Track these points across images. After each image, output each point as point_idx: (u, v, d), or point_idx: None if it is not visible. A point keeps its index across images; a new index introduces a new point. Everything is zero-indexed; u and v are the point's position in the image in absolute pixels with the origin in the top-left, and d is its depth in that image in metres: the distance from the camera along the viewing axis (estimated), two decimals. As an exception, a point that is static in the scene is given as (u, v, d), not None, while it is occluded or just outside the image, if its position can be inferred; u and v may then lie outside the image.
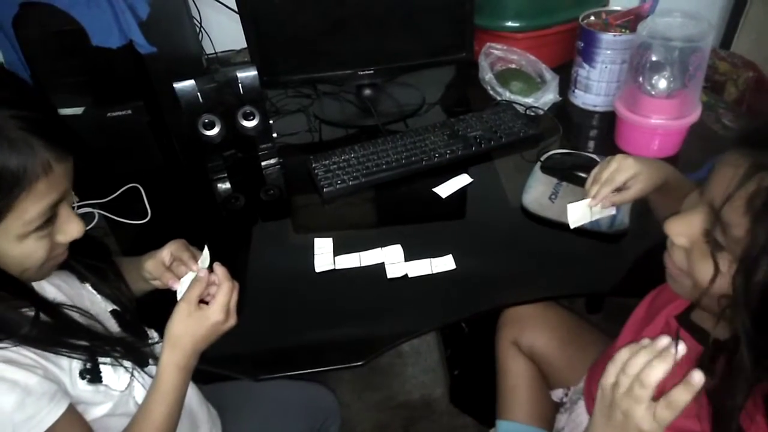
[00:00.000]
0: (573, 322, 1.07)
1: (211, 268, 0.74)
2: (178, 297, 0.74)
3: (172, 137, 1.16)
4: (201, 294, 0.71)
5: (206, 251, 0.78)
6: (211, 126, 1.13)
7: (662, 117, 1.07)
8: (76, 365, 0.64)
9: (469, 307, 0.88)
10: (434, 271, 0.93)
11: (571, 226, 0.88)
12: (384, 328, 0.85)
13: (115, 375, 0.68)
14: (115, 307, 0.76)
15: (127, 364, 0.70)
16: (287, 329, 0.87)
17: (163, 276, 0.79)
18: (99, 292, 0.76)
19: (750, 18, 1.65)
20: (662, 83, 1.06)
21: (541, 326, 1.06)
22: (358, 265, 0.95)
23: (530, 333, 1.06)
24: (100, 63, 0.99)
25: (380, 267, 0.94)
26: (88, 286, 0.75)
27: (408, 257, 0.95)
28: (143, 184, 1.15)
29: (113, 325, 0.74)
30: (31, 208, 0.56)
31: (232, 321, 0.72)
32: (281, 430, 0.99)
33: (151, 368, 0.73)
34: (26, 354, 0.59)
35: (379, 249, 0.97)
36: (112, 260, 0.81)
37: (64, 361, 0.63)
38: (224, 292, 0.70)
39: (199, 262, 0.78)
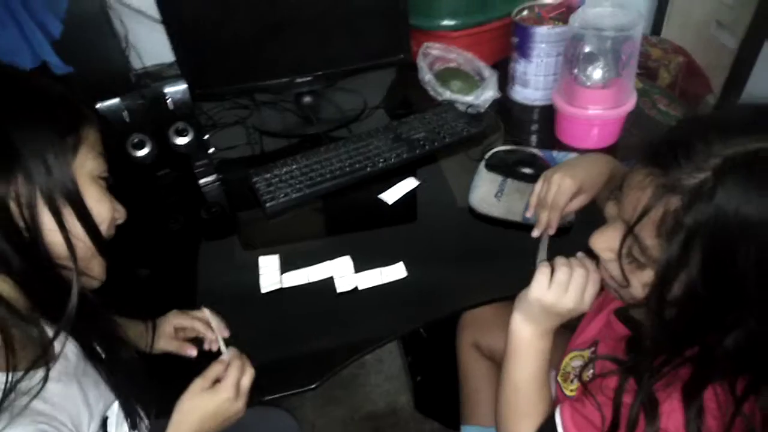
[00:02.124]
0: None
1: None
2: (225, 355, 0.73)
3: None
4: (219, 374, 0.70)
5: (207, 313, 0.80)
6: (140, 146, 1.07)
7: (599, 107, 1.08)
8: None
9: (424, 315, 0.86)
10: (385, 281, 0.90)
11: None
12: (337, 346, 0.82)
13: None
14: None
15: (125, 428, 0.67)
16: (265, 348, 0.82)
17: (181, 349, 0.82)
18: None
19: (677, 3, 1.70)
20: (597, 73, 1.07)
21: (501, 326, 1.00)
22: (306, 282, 0.91)
23: (490, 334, 1.04)
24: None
25: (329, 281, 0.91)
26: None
27: (357, 268, 0.92)
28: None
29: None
30: (94, 141, 0.59)
31: (241, 403, 0.70)
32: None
33: None
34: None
35: (328, 262, 0.94)
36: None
37: (83, 426, 0.59)
38: (234, 370, 0.70)
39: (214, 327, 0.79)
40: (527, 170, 1.04)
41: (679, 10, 1.70)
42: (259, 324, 0.87)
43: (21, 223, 0.52)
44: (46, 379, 0.55)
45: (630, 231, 0.54)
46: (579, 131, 1.12)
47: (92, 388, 0.63)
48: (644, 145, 0.55)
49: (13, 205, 0.51)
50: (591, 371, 0.71)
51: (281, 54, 1.21)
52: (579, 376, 0.73)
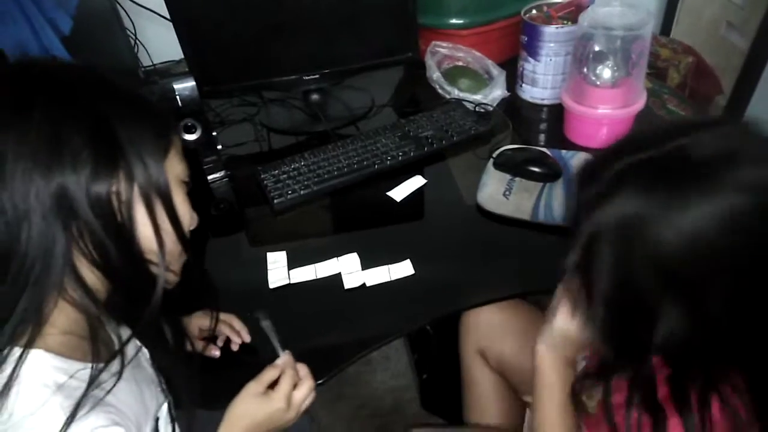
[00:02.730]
0: (541, 320, 1.04)
1: None
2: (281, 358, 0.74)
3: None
4: (272, 378, 0.71)
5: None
6: (150, 142, 1.07)
7: (608, 106, 1.08)
8: None
9: (431, 313, 0.86)
10: (393, 278, 0.90)
11: None
12: (344, 342, 0.82)
13: None
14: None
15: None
16: (241, 352, 0.83)
17: (206, 351, 0.82)
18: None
19: (687, 3, 1.69)
20: (606, 73, 1.07)
21: (507, 331, 1.00)
22: (314, 278, 0.92)
23: (496, 341, 1.00)
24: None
25: (337, 278, 0.91)
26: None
27: (365, 265, 0.92)
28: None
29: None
30: (179, 145, 0.60)
31: (293, 413, 0.71)
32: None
33: None
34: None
35: (335, 259, 0.94)
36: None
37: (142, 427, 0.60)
38: (287, 380, 0.71)
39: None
40: (536, 169, 1.04)
41: (689, 11, 1.69)
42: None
43: (120, 218, 0.53)
44: (121, 373, 0.56)
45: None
46: (588, 130, 1.12)
47: (147, 388, 0.64)
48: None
49: (114, 200, 0.53)
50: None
51: (289, 51, 1.22)
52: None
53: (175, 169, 0.58)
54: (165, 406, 0.67)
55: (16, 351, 0.50)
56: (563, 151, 1.10)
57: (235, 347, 0.83)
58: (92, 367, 0.53)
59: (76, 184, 0.50)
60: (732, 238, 0.48)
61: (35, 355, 0.51)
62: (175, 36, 1.16)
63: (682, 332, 0.52)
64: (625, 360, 0.58)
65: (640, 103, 1.10)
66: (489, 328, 1.02)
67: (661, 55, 1.70)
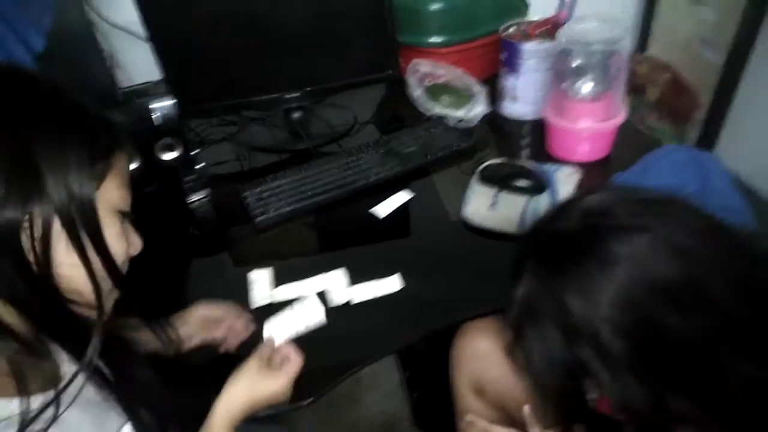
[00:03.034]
0: None
1: None
2: (266, 332, 0.78)
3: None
4: (269, 354, 0.72)
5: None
6: (128, 161, 1.05)
7: (589, 120, 1.08)
8: None
9: (420, 328, 0.84)
10: (380, 294, 0.88)
11: None
12: (330, 360, 0.80)
13: None
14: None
15: None
16: (224, 373, 0.79)
17: (210, 338, 0.80)
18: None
19: (662, 20, 1.72)
20: (586, 87, 1.08)
21: (507, 363, 0.89)
22: (299, 296, 0.89)
23: (496, 379, 0.92)
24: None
25: (322, 295, 0.89)
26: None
27: (351, 282, 0.90)
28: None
29: None
30: (123, 169, 0.54)
31: (289, 395, 0.71)
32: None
33: None
34: None
35: (321, 276, 0.92)
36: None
37: None
38: (296, 365, 0.71)
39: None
40: (521, 183, 1.03)
41: (664, 28, 1.73)
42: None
43: (32, 253, 0.47)
44: (57, 406, 0.51)
45: None
46: (570, 144, 1.12)
47: (103, 411, 0.59)
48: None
49: (25, 233, 0.46)
50: None
51: (269, 70, 1.21)
52: None
53: (111, 196, 0.52)
54: (127, 427, 0.62)
55: None
56: (546, 165, 1.10)
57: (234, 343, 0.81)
58: (21, 404, 0.48)
59: None
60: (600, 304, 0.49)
61: None
62: (153, 57, 1.15)
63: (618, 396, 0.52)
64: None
65: (620, 117, 1.11)
66: (486, 362, 0.94)
67: (639, 72, 1.73)
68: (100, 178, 0.51)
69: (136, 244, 0.60)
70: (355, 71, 1.26)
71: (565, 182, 1.05)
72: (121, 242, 0.55)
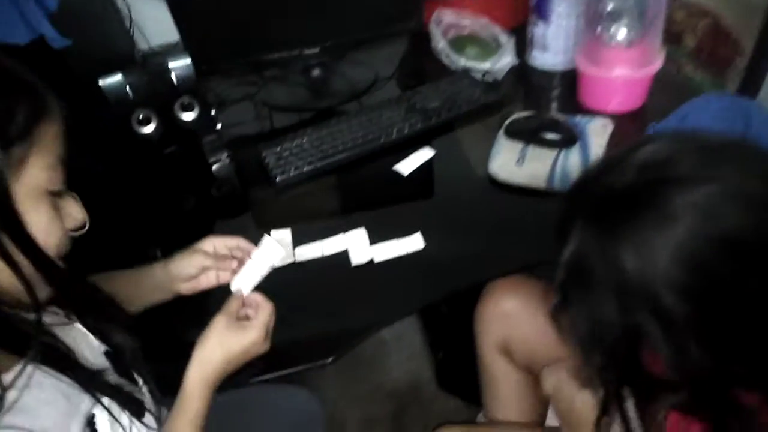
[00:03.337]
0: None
1: None
2: (234, 287, 0.71)
3: (105, 138, 1.06)
4: (238, 309, 0.67)
5: (269, 241, 0.73)
6: (146, 122, 1.04)
7: (624, 68, 1.02)
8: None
9: (443, 287, 0.82)
10: (402, 253, 0.86)
11: None
12: (353, 320, 0.79)
13: None
14: (107, 348, 0.64)
15: (125, 421, 0.59)
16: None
17: (219, 263, 0.74)
18: (90, 330, 0.62)
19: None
20: (621, 32, 1.01)
21: (537, 325, 0.86)
22: (320, 255, 0.88)
23: (524, 338, 0.90)
24: (11, 62, 0.89)
25: (344, 254, 0.87)
26: (77, 324, 0.62)
27: (373, 240, 0.88)
28: (78, 191, 1.04)
29: (107, 366, 0.62)
30: (51, 144, 0.48)
31: (268, 345, 0.67)
32: (257, 441, 0.92)
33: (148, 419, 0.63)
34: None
35: (342, 235, 0.90)
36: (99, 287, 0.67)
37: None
38: (267, 311, 0.67)
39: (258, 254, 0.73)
40: (551, 135, 0.99)
41: (705, -31, 1.61)
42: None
43: None
44: (3, 394, 0.46)
45: None
46: (603, 94, 1.07)
47: (75, 390, 0.55)
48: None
49: None
50: None
51: (287, 25, 1.17)
52: None
53: (36, 180, 0.46)
54: (105, 399, 0.58)
55: None
56: (578, 117, 1.04)
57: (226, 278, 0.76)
58: None
59: None
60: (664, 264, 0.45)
61: None
62: (171, 17, 1.12)
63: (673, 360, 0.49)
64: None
65: (657, 64, 1.04)
66: (513, 321, 0.92)
67: (676, 18, 1.63)
68: (19, 164, 0.45)
69: (78, 218, 0.54)
70: (376, 24, 1.21)
71: (598, 134, 1.00)
72: (54, 227, 0.50)
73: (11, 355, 0.49)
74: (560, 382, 0.77)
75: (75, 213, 0.54)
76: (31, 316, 0.50)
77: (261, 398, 0.96)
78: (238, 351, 0.64)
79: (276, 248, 0.75)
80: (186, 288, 0.76)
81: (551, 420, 0.96)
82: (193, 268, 0.74)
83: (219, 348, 0.63)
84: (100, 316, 0.62)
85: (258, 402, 0.96)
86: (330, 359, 0.73)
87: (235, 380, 0.67)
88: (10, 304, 0.49)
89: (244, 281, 0.74)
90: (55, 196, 0.50)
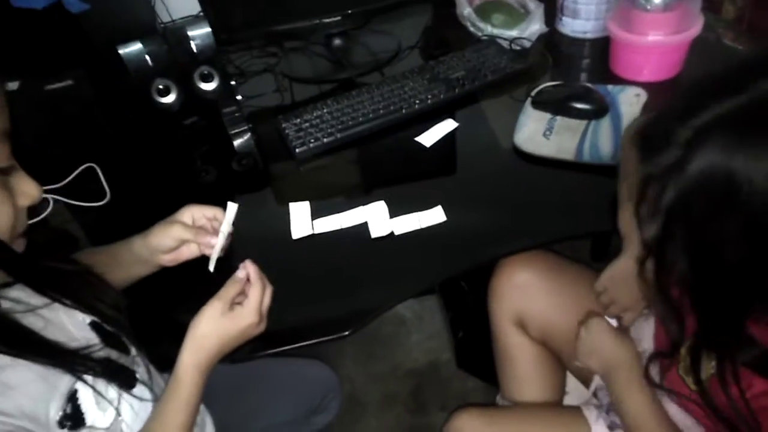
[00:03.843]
0: (587, 278, 0.86)
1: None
2: (212, 264, 0.68)
3: (125, 108, 1.06)
4: (236, 293, 0.64)
5: (232, 208, 0.69)
6: (166, 92, 1.03)
7: (660, 32, 0.97)
8: (54, 414, 0.54)
9: (465, 261, 0.79)
10: (423, 226, 0.84)
11: None
12: (372, 293, 0.77)
13: (99, 411, 0.57)
14: (94, 318, 0.63)
15: (112, 394, 0.59)
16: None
17: (198, 236, 0.70)
18: (71, 305, 0.62)
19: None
20: (658, -5, 0.96)
21: (551, 296, 0.88)
22: (339, 228, 0.86)
23: (538, 309, 0.89)
24: (29, 28, 0.88)
25: (363, 227, 0.85)
26: (54, 303, 0.61)
27: (393, 213, 0.86)
28: (98, 162, 1.04)
29: (93, 340, 0.62)
30: None
31: (263, 326, 0.65)
32: (275, 412, 0.92)
33: (140, 389, 0.63)
34: None
35: (362, 208, 0.88)
36: (76, 259, 0.68)
37: (40, 413, 0.52)
38: (257, 291, 0.64)
39: (224, 222, 0.69)
40: (580, 105, 0.94)
41: (749, -68, 1.52)
42: (292, 271, 0.82)
43: None
44: None
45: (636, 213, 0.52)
46: (638, 61, 1.01)
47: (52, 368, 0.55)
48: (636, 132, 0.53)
49: None
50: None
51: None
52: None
53: None
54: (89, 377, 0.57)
55: None
56: (609, 86, 1.00)
57: (207, 251, 0.71)
58: None
59: None
60: None
61: None
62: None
63: None
64: (720, 334, 0.52)
65: (695, 29, 0.98)
66: (527, 293, 0.91)
67: (716, -14, 1.55)
68: None
69: (30, 193, 0.52)
70: (400, -11, 1.17)
71: (630, 104, 0.95)
72: (2, 208, 0.49)
73: None
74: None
75: (28, 189, 0.52)
76: None
77: (278, 369, 0.96)
78: (232, 336, 0.62)
79: (231, 207, 0.70)
80: (167, 260, 0.73)
81: (571, 399, 0.94)
82: (171, 240, 0.71)
83: (212, 335, 0.61)
84: (76, 291, 0.61)
85: (275, 373, 0.96)
86: (347, 332, 0.71)
87: (232, 356, 0.65)
88: None
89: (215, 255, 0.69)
90: (1, 173, 0.48)
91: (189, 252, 0.73)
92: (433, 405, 1.42)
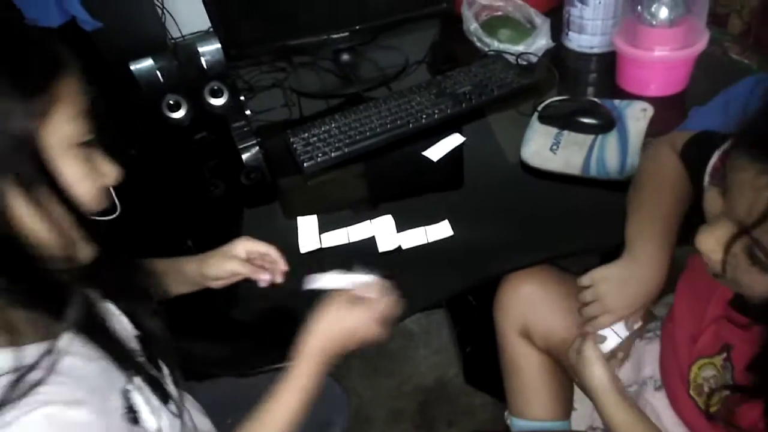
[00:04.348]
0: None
1: None
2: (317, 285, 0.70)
3: (136, 123, 1.07)
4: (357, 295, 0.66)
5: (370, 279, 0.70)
6: (176, 107, 1.04)
7: (666, 48, 0.97)
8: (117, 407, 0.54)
9: (472, 276, 0.80)
10: (430, 240, 0.84)
11: None
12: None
13: (150, 414, 0.57)
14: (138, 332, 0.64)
15: (155, 402, 0.59)
16: (272, 318, 0.78)
17: (254, 273, 0.76)
18: (123, 312, 0.62)
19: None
20: (663, 11, 0.96)
21: (555, 307, 0.89)
22: (347, 242, 0.86)
23: (542, 319, 0.90)
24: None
25: (371, 241, 0.86)
26: (111, 306, 0.62)
27: (400, 228, 0.86)
28: (109, 177, 1.05)
29: (138, 351, 0.62)
30: (72, 96, 0.48)
31: (378, 333, 0.67)
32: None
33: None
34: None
35: (368, 222, 0.88)
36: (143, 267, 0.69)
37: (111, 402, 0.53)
38: (384, 298, 0.67)
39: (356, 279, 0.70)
40: (587, 120, 0.95)
41: (754, -53, 1.53)
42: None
43: None
44: (53, 356, 0.47)
45: (746, 232, 0.46)
46: (643, 76, 1.02)
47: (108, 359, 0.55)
48: (743, 129, 0.47)
49: None
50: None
51: (316, 9, 1.15)
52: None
53: (63, 132, 0.47)
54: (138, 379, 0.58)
55: None
56: (616, 101, 1.00)
57: (278, 278, 0.77)
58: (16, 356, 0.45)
59: None
60: None
61: None
62: (203, 6, 1.12)
63: None
64: None
65: (701, 43, 0.99)
66: (531, 304, 0.91)
67: (721, 0, 1.56)
68: (42, 117, 0.45)
69: (111, 174, 0.54)
70: (407, 6, 1.19)
71: (637, 119, 0.95)
72: (87, 180, 0.50)
73: (52, 320, 0.49)
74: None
75: (107, 170, 0.53)
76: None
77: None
78: (349, 327, 0.64)
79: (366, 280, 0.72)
80: (216, 284, 0.77)
81: (577, 416, 0.93)
82: (225, 273, 0.76)
83: (336, 322, 0.64)
84: (133, 297, 0.62)
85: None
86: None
87: (241, 371, 0.65)
88: (53, 265, 0.49)
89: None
90: (85, 148, 0.50)
91: (237, 279, 0.77)
92: (440, 421, 1.41)
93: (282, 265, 0.77)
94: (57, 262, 0.49)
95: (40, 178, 0.45)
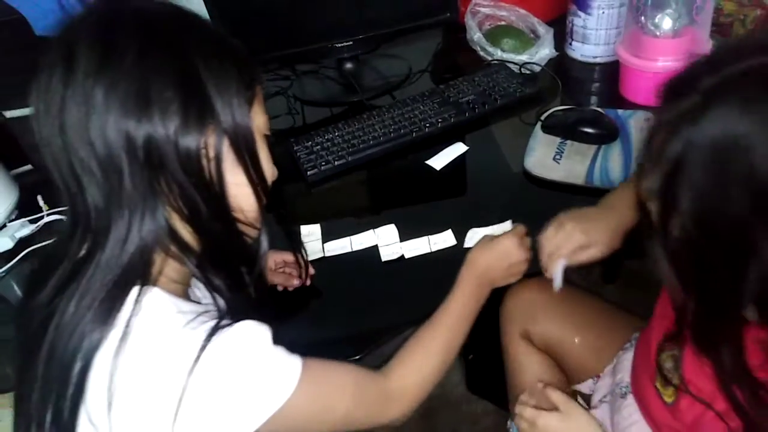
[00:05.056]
0: (589, 302, 0.94)
1: None
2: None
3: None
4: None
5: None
6: (180, 116, 1.04)
7: (670, 58, 0.98)
8: None
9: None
10: (433, 249, 0.84)
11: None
12: (382, 317, 0.77)
13: None
14: None
15: None
16: (273, 326, 0.78)
17: (287, 281, 0.82)
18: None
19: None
20: (667, 21, 0.97)
21: (554, 312, 0.92)
22: (349, 251, 0.86)
23: (542, 323, 0.92)
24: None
25: (373, 250, 0.86)
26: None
27: (403, 237, 0.86)
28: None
29: None
30: (262, 96, 0.57)
31: (523, 253, 0.75)
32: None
33: None
34: None
35: (372, 231, 0.88)
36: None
37: None
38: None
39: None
40: (590, 130, 0.95)
41: (757, -43, 1.53)
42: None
43: (208, 174, 0.51)
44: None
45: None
46: (647, 86, 1.02)
47: None
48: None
49: (203, 155, 0.50)
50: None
51: (320, 17, 1.16)
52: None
53: (258, 120, 0.55)
54: None
55: (135, 290, 0.50)
56: (619, 111, 1.00)
57: (308, 282, 0.80)
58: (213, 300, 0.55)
59: (165, 137, 0.48)
60: None
61: (153, 291, 0.51)
62: (205, 11, 1.12)
63: None
64: (711, 314, 0.51)
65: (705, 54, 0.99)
66: (534, 310, 0.93)
67: (724, 10, 1.56)
68: (250, 103, 0.54)
69: (275, 171, 0.61)
70: (410, 16, 1.19)
71: (640, 129, 0.95)
72: (270, 164, 0.58)
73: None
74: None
75: (270, 167, 0.60)
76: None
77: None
78: (495, 255, 0.73)
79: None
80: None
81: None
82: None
83: (483, 255, 0.73)
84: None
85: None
86: (359, 356, 0.71)
87: None
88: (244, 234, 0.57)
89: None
90: (266, 141, 0.58)
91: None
92: (443, 429, 1.40)
93: (310, 270, 0.81)
94: (248, 230, 0.57)
95: (248, 150, 0.53)
